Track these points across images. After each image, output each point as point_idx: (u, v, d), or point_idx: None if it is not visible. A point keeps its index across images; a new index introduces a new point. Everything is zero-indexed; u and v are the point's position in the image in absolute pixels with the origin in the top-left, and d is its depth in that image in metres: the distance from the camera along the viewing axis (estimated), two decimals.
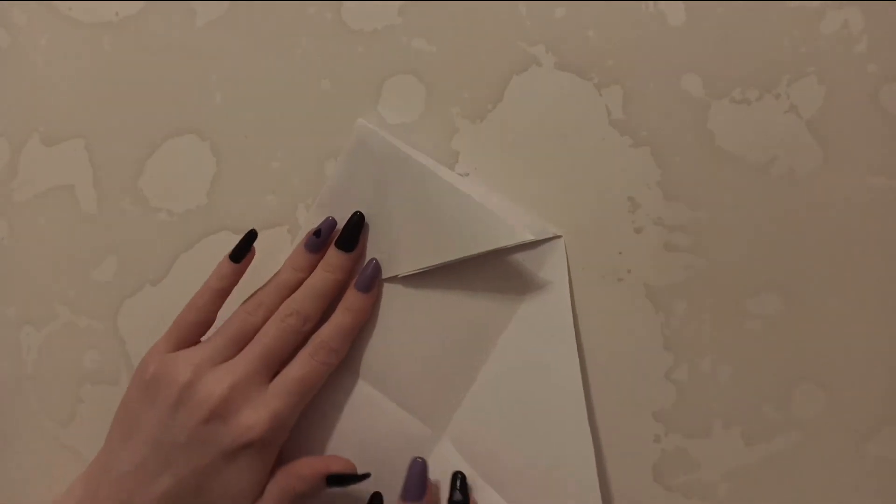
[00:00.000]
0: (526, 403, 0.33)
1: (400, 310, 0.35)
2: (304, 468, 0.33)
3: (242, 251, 0.35)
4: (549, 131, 0.34)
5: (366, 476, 0.34)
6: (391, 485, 0.33)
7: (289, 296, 0.35)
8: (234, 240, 0.38)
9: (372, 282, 0.35)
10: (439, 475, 0.34)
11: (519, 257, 0.33)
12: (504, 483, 0.33)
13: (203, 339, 0.35)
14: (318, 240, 0.35)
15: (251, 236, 0.35)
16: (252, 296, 0.36)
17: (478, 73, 0.35)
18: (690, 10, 0.32)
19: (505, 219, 0.31)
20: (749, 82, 0.31)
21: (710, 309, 0.32)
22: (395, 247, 0.35)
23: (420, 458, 0.32)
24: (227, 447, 0.31)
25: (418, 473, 0.32)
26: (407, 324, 0.35)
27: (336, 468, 0.33)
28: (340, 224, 0.35)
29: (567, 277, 0.33)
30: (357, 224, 0.35)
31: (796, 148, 0.31)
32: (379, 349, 0.35)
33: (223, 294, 0.35)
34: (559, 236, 0.33)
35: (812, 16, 0.30)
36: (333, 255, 0.35)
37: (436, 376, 0.35)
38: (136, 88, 0.41)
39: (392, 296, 0.35)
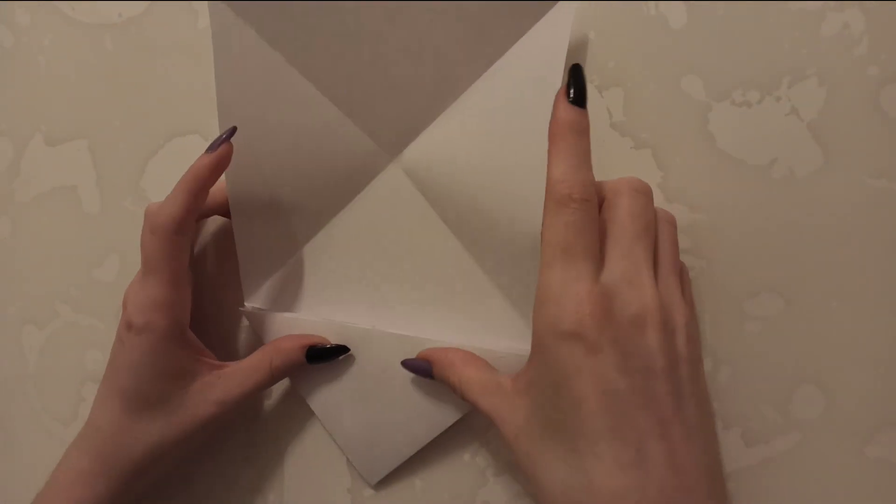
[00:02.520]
0: (487, 152, 0.31)
1: (379, 20, 0.32)
2: (285, 342, 0.35)
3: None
4: None
5: (345, 350, 0.35)
6: (331, 194, 0.35)
7: None
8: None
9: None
10: (385, 196, 0.35)
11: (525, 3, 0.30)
12: (450, 221, 0.34)
13: None
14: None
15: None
16: None
17: None
18: (692, 12, 0.32)
19: None
20: (750, 84, 0.31)
21: (709, 310, 0.32)
22: None
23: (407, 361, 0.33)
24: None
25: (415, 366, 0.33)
26: (385, 35, 0.32)
27: (315, 342, 0.35)
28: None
29: (566, 44, 0.29)
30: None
31: (797, 150, 0.31)
32: (346, 57, 0.32)
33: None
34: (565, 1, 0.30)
35: (813, 18, 0.30)
36: None
37: (403, 98, 0.33)
38: (138, 89, 0.41)
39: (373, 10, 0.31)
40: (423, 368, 0.33)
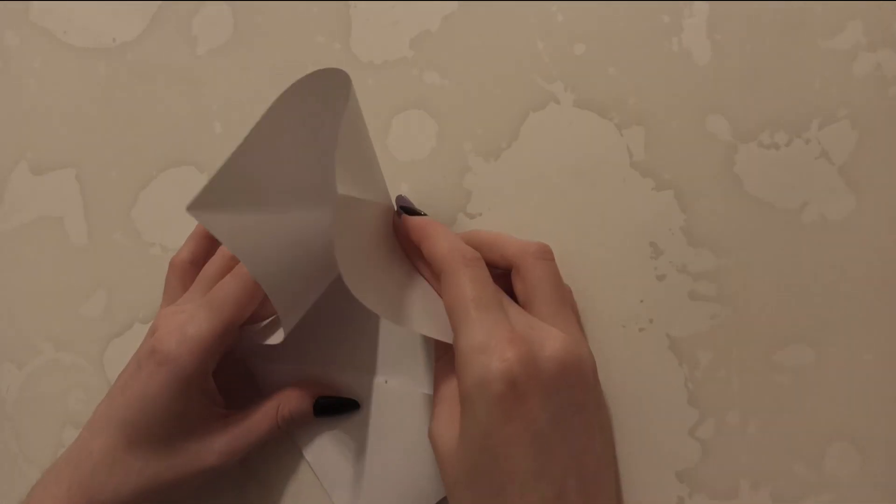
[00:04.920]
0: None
1: None
2: (294, 390, 0.33)
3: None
4: (567, 172, 0.32)
5: (355, 406, 0.33)
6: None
7: None
8: None
9: None
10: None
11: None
12: None
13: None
14: None
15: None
16: None
17: (492, 109, 0.33)
18: (717, 48, 0.30)
19: None
20: (778, 125, 0.30)
21: (736, 361, 0.30)
22: None
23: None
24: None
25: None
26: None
27: (324, 393, 0.33)
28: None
29: (344, 109, 0.26)
30: None
31: (828, 194, 0.29)
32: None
33: None
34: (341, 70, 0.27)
35: (844, 58, 0.29)
36: None
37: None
38: (131, 116, 0.39)
39: None
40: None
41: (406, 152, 0.35)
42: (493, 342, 0.25)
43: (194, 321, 0.30)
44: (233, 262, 0.33)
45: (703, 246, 0.30)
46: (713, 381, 0.30)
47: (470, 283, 0.27)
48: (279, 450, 0.35)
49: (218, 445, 0.31)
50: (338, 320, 0.34)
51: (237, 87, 0.37)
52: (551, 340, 0.26)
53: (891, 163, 0.29)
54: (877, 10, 0.29)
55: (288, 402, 0.33)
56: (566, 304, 0.28)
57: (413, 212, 0.31)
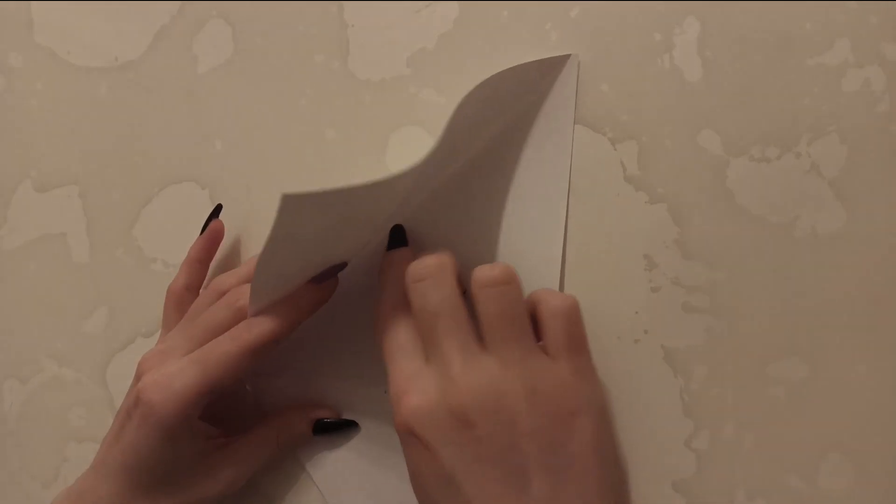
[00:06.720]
0: (490, 216, 0.31)
1: None
2: (292, 414, 0.34)
3: None
4: None
5: (353, 425, 0.34)
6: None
7: None
8: None
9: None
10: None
11: (525, 67, 0.31)
12: None
13: None
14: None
15: None
16: None
17: None
18: (707, 65, 0.31)
19: None
20: (769, 140, 0.30)
21: (731, 374, 0.30)
22: None
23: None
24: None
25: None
26: None
27: (323, 415, 0.34)
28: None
29: (574, 97, 0.31)
30: None
31: (819, 208, 0.30)
32: None
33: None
34: (570, 54, 0.31)
35: (833, 74, 0.29)
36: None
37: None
38: (133, 134, 0.40)
39: None
40: None
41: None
42: (394, 394, 0.27)
43: (183, 376, 0.30)
44: (221, 295, 0.32)
45: (697, 259, 0.31)
46: (708, 393, 0.30)
47: (382, 337, 0.29)
48: (281, 461, 0.36)
49: (223, 475, 0.32)
50: (337, 331, 0.35)
51: (237, 104, 0.38)
52: (456, 394, 0.26)
53: (880, 177, 0.29)
54: (865, 29, 0.29)
55: (286, 427, 0.33)
56: (510, 337, 0.27)
57: (400, 240, 0.32)
